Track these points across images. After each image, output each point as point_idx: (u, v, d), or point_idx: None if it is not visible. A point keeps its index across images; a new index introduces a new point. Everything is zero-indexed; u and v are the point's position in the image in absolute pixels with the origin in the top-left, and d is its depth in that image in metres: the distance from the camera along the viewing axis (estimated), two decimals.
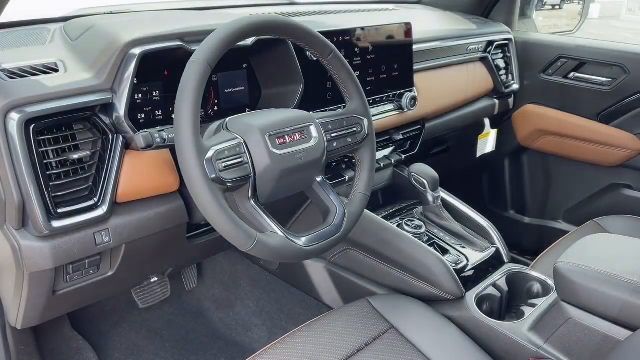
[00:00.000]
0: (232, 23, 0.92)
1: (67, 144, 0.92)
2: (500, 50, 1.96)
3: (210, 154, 0.87)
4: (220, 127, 0.98)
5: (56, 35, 1.12)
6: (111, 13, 1.27)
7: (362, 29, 1.37)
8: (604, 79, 1.86)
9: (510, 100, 2.04)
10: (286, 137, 0.97)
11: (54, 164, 0.90)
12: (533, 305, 1.23)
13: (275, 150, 0.94)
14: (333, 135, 1.06)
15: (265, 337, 1.60)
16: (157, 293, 1.56)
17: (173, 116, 1.11)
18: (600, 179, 1.97)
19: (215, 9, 1.48)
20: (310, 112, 1.07)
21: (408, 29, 1.49)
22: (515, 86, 2.00)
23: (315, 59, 1.24)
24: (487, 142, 2.02)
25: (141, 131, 0.91)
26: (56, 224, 0.89)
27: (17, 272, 0.94)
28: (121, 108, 0.95)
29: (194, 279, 1.70)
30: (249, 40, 1.12)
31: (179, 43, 1.01)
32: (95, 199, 0.93)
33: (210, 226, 1.21)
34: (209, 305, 1.72)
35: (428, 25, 1.77)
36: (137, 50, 0.95)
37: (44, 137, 0.89)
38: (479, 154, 2.01)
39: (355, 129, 1.09)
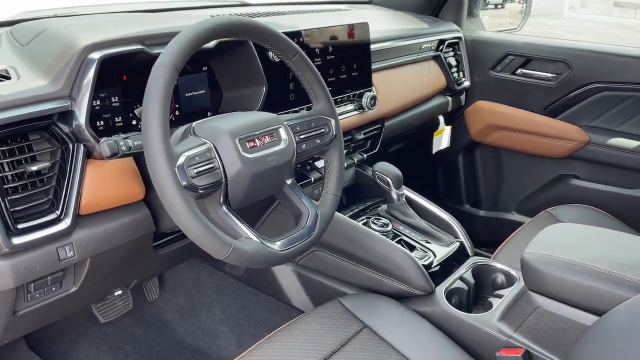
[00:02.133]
0: (197, 25, 0.89)
1: (23, 155, 0.87)
2: (451, 49, 2.00)
3: (181, 160, 0.84)
4: (187, 132, 0.95)
5: (3, 41, 1.05)
6: (55, 16, 1.21)
7: (321, 29, 1.37)
8: (549, 75, 1.94)
9: (462, 97, 2.09)
10: (256, 140, 0.95)
11: (9, 177, 0.85)
12: (499, 296, 1.26)
13: (246, 154, 0.92)
14: (302, 137, 1.05)
15: (233, 344, 1.57)
16: (119, 306, 1.50)
17: (134, 122, 1.08)
18: (549, 170, 2.05)
19: (168, 11, 1.44)
20: (277, 114, 1.05)
21: (365, 28, 1.50)
22: (467, 83, 2.05)
23: (277, 60, 1.24)
24: (442, 138, 2.06)
25: (106, 139, 0.87)
26: (16, 240, 0.83)
27: None
28: (81, 116, 0.90)
29: (155, 289, 1.65)
30: (211, 42, 1.09)
31: (139, 47, 0.97)
32: (58, 212, 0.89)
33: (176, 234, 1.19)
34: (173, 316, 1.67)
35: (382, 25, 1.78)
36: (96, 55, 0.91)
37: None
38: (435, 151, 2.05)
39: (323, 130, 1.08)
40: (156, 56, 1.00)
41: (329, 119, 1.09)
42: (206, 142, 0.90)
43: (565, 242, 1.12)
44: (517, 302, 1.13)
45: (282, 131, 1.00)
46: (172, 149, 0.83)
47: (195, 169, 0.85)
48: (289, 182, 1.05)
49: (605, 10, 9.99)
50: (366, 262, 1.30)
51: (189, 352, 1.60)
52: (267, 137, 0.97)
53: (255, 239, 0.91)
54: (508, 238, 1.62)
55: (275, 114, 1.04)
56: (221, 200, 0.92)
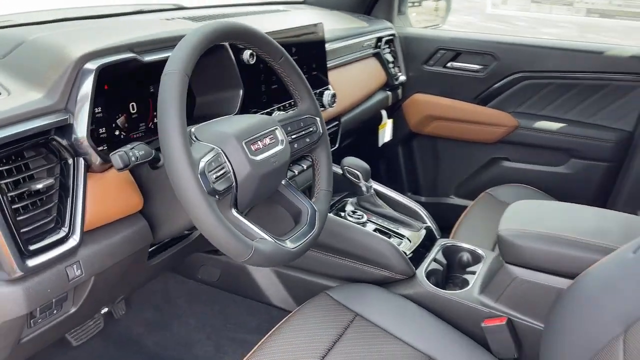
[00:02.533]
0: (199, 30, 0.89)
1: (21, 174, 0.82)
2: (387, 46, 2.11)
3: (201, 166, 0.84)
4: (189, 137, 0.94)
5: None
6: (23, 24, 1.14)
7: (284, 30, 1.39)
8: (478, 66, 2.11)
9: (400, 91, 2.21)
10: (258, 142, 0.97)
11: (15, 198, 0.80)
12: (472, 273, 1.37)
13: (253, 157, 0.94)
14: (293, 136, 1.07)
15: (211, 350, 1.56)
16: (90, 327, 1.43)
17: (116, 132, 1.05)
18: (482, 155, 2.22)
19: (109, 17, 1.38)
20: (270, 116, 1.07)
21: (321, 29, 1.55)
22: (403, 78, 2.17)
23: (251, 62, 1.25)
24: (386, 131, 2.16)
25: (116, 151, 0.85)
26: (31, 262, 0.79)
27: None
28: (81, 128, 0.87)
29: (122, 305, 1.59)
30: None
31: (131, 55, 0.95)
32: (65, 230, 0.85)
33: (163, 243, 1.17)
34: (141, 331, 1.62)
35: (325, 25, 1.83)
36: (92, 65, 0.88)
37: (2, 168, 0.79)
38: (380, 144, 2.15)
39: (311, 129, 1.12)
40: (148, 64, 0.99)
41: (315, 117, 1.13)
42: (214, 147, 0.91)
43: (532, 217, 1.24)
44: (495, 275, 1.24)
45: (278, 132, 1.02)
46: (193, 157, 0.83)
47: (214, 174, 0.86)
48: (283, 182, 1.08)
49: (525, 6, 10.73)
50: (348, 253, 1.35)
51: None
52: (267, 139, 0.99)
53: (269, 239, 0.92)
54: (459, 220, 1.75)
55: (268, 116, 1.05)
56: (231, 203, 0.93)
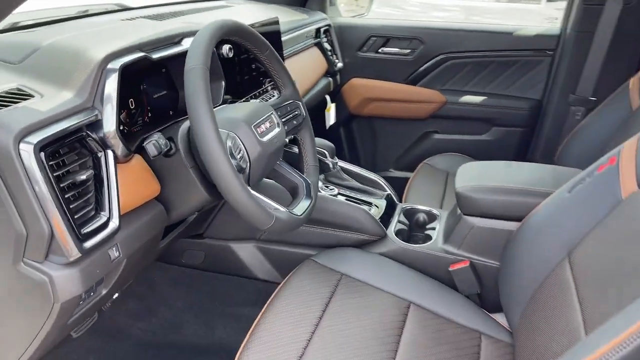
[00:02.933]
0: (208, 28, 1.01)
1: (60, 169, 0.90)
2: (325, 35, 2.27)
3: (227, 148, 0.96)
4: None
5: None
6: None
7: (252, 25, 1.51)
8: (406, 50, 2.33)
9: (338, 77, 2.39)
10: (262, 126, 1.10)
11: (66, 188, 0.89)
12: (431, 229, 1.58)
13: (261, 139, 1.07)
14: (283, 120, 1.21)
15: (201, 328, 1.66)
16: (87, 319, 1.48)
17: (121, 127, 1.13)
18: (415, 130, 2.46)
19: (63, 22, 1.42)
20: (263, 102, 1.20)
21: (277, 22, 1.68)
22: (340, 64, 2.35)
23: (230, 56, 1.36)
24: (331, 115, 2.34)
25: (149, 141, 0.95)
26: (87, 244, 0.88)
27: (43, 306, 0.90)
28: (110, 124, 0.96)
29: None
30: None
31: (142, 54, 1.05)
32: (106, 215, 0.94)
33: (170, 225, 1.27)
34: (127, 320, 1.68)
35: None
36: (114, 64, 0.97)
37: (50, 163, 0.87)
38: (327, 126, 2.32)
39: (297, 112, 1.26)
40: (156, 61, 1.09)
41: (298, 102, 1.28)
42: (229, 132, 1.03)
43: (481, 174, 1.47)
44: (455, 227, 1.45)
45: (274, 116, 1.16)
46: (222, 140, 0.95)
47: (237, 154, 0.98)
48: (278, 161, 1.22)
49: None
50: (327, 222, 1.51)
51: (154, 349, 1.64)
52: (267, 122, 1.12)
53: (282, 209, 1.07)
54: (406, 188, 1.97)
55: (264, 103, 1.18)
56: (245, 180, 1.06)
